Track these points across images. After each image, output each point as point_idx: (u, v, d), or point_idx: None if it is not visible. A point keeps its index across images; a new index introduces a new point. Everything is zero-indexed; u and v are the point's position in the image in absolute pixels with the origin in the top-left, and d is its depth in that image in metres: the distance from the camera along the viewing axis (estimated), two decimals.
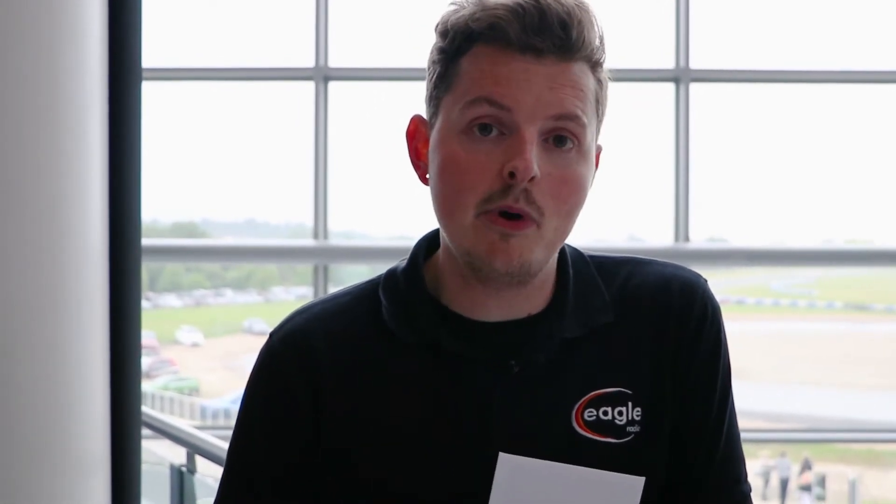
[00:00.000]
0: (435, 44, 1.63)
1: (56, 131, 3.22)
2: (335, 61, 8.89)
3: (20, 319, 3.16)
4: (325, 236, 8.87)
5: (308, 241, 9.03)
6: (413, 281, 1.69)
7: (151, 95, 9.92)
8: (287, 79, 9.77)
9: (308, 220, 9.03)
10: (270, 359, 1.71)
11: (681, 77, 8.63)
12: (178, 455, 4.48)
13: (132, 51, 3.54)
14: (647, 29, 10.19)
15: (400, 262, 1.74)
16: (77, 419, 3.31)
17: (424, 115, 1.67)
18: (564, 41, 1.54)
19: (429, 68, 1.64)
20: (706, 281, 1.73)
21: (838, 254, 10.05)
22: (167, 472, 4.49)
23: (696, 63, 8.69)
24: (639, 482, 1.51)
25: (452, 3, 1.62)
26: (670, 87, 8.76)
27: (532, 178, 1.53)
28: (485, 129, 1.55)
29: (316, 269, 9.13)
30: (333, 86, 8.91)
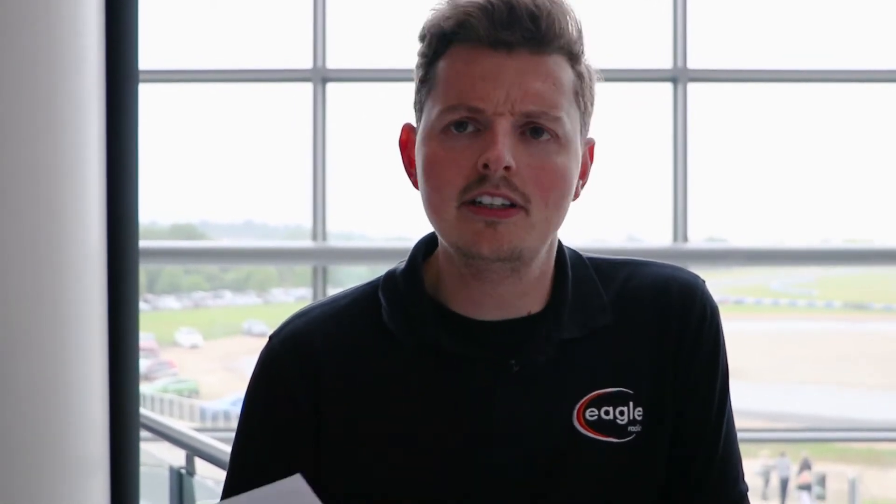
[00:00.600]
0: (418, 50, 1.66)
1: (53, 133, 3.21)
2: (333, 62, 8.90)
3: (18, 321, 3.16)
4: (324, 238, 8.87)
5: (307, 243, 9.03)
6: (412, 282, 1.69)
7: (149, 98, 9.93)
8: (285, 80, 9.78)
9: (306, 222, 9.04)
10: (270, 361, 1.72)
11: (679, 77, 8.63)
12: (178, 457, 4.48)
13: (129, 53, 3.54)
14: (644, 29, 10.20)
15: (399, 263, 1.74)
16: (75, 421, 3.31)
17: (414, 123, 1.69)
18: (534, 33, 1.56)
19: (414, 74, 1.67)
20: (704, 282, 1.73)
21: (837, 253, 10.05)
22: (166, 473, 4.50)
23: (693, 63, 8.68)
24: (297, 480, 1.44)
25: (432, 9, 1.64)
26: (668, 86, 8.76)
27: (508, 168, 1.54)
28: (460, 126, 1.58)
29: (315, 271, 9.13)
30: (331, 87, 8.91)
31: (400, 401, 1.65)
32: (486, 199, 1.55)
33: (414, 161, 1.67)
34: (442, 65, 1.61)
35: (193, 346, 31.55)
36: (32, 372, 3.18)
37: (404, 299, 1.68)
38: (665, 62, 8.71)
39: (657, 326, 1.68)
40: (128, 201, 3.56)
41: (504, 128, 1.55)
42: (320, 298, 1.78)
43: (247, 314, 31.37)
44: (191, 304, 31.80)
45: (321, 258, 9.01)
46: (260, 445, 1.71)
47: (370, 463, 1.65)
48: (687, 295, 1.70)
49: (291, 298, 28.88)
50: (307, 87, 8.87)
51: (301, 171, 8.99)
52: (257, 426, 1.72)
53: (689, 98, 8.65)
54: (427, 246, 1.73)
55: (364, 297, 1.72)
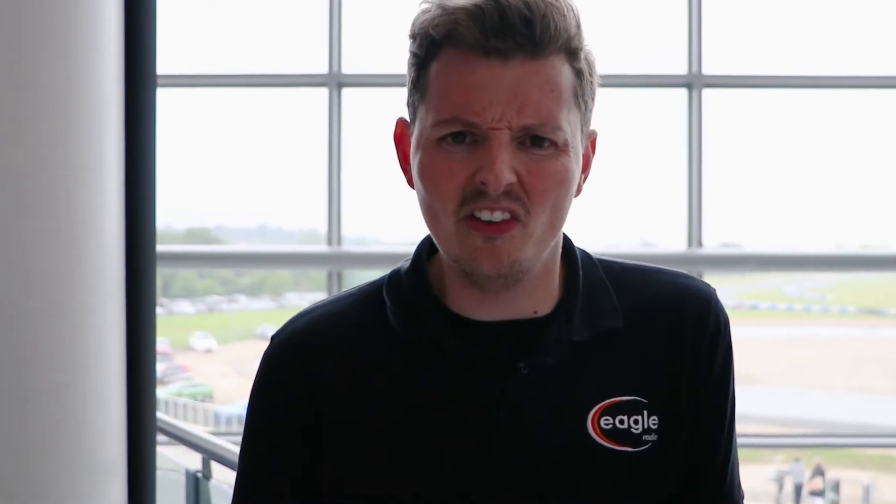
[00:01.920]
0: (409, 47, 1.60)
1: (73, 138, 3.23)
2: (348, 68, 8.91)
3: (38, 326, 3.17)
4: (339, 242, 8.88)
5: (322, 247, 9.04)
6: (417, 281, 1.66)
7: (163, 102, 9.94)
8: (301, 85, 9.79)
9: (320, 226, 9.04)
10: (271, 362, 1.70)
11: (693, 83, 8.62)
12: (194, 461, 4.48)
13: (147, 58, 3.56)
14: (659, 35, 10.20)
15: (403, 262, 1.71)
16: (93, 425, 3.32)
17: (407, 117, 1.64)
18: (529, 39, 1.49)
19: (407, 72, 1.61)
20: (715, 291, 1.71)
21: (852, 259, 10.04)
22: (182, 477, 4.50)
23: (708, 69, 8.68)
24: None
25: (423, 3, 1.57)
26: (683, 92, 8.75)
27: (509, 183, 1.50)
28: (458, 136, 1.52)
29: (330, 275, 9.14)
30: (347, 92, 8.92)
31: (405, 401, 1.62)
32: (486, 215, 1.51)
33: (409, 157, 1.62)
34: (434, 69, 1.54)
35: (208, 351, 31.60)
36: (52, 376, 3.20)
37: (409, 299, 1.65)
38: (680, 68, 8.70)
39: (671, 336, 1.66)
40: (145, 206, 3.58)
41: (502, 142, 1.50)
42: (324, 298, 1.75)
43: (261, 318, 31.38)
44: (205, 309, 31.85)
45: (336, 263, 9.02)
46: (263, 448, 1.70)
47: (374, 464, 1.62)
48: (702, 306, 1.67)
49: (306, 302, 28.63)
50: (323, 92, 8.89)
51: (316, 176, 9.00)
52: (259, 428, 1.71)
53: (703, 104, 8.65)
54: (431, 245, 1.69)
55: (368, 297, 1.69)
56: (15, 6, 3.11)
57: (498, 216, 1.52)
